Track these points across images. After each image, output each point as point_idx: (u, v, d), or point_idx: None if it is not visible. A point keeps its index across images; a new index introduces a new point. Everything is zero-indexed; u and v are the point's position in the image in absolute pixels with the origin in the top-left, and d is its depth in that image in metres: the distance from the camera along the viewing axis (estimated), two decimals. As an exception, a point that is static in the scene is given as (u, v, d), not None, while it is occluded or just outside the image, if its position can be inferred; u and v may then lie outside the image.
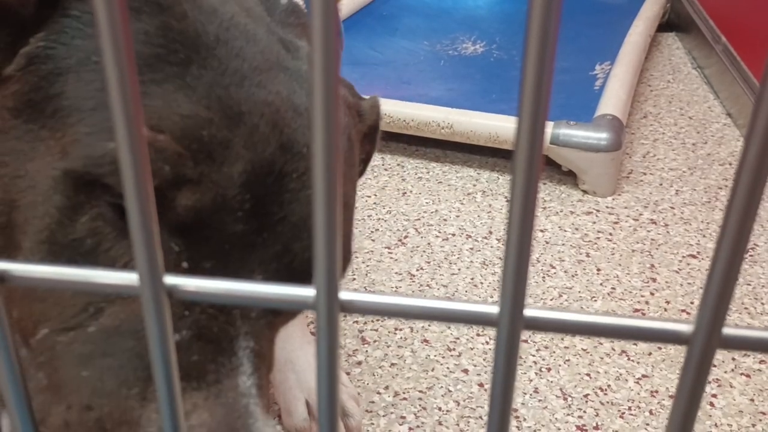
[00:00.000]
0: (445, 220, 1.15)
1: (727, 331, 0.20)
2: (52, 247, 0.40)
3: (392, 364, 0.89)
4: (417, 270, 1.04)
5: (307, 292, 0.20)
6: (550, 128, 1.19)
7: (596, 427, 0.81)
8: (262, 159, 0.40)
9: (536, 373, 0.88)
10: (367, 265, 1.05)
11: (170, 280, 0.21)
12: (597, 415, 0.83)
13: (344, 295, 0.20)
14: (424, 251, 1.08)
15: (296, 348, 0.79)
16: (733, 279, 0.19)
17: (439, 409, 0.83)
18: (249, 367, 0.40)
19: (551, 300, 0.99)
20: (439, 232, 1.12)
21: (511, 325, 0.20)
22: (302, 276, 0.42)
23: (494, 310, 0.20)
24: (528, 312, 0.20)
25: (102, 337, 0.39)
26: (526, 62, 0.16)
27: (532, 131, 0.17)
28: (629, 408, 0.84)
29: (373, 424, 0.81)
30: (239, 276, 0.41)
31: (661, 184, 1.26)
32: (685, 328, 0.20)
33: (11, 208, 0.41)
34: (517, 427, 0.81)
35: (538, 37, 0.16)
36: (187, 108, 0.39)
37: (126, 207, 0.20)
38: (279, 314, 0.43)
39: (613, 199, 1.21)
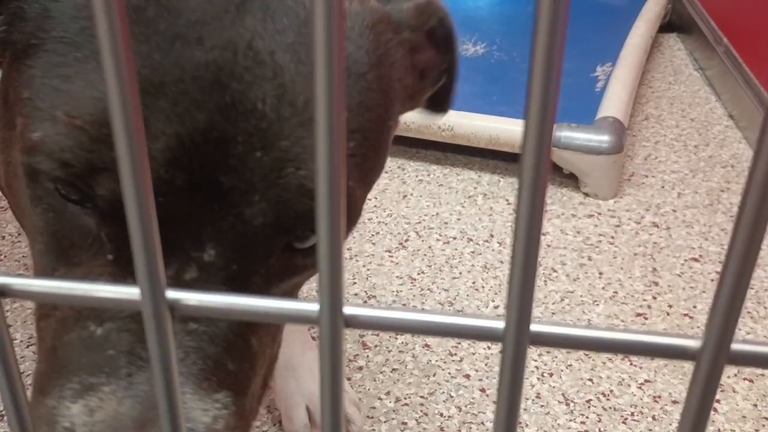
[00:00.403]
0: (446, 223, 1.15)
1: (735, 346, 0.19)
2: (35, 230, 0.40)
3: (393, 370, 0.88)
4: (418, 274, 1.04)
5: (310, 306, 0.20)
6: (551, 131, 1.18)
7: (599, 432, 0.81)
8: (193, 129, 0.37)
9: (538, 379, 0.88)
10: (368, 269, 1.05)
11: (172, 294, 0.21)
12: (599, 420, 0.82)
13: (348, 309, 0.20)
14: (425, 255, 1.08)
15: (297, 354, 0.79)
16: (741, 295, 0.19)
17: (441, 414, 0.83)
18: (179, 352, 0.37)
19: (553, 304, 0.99)
20: (440, 236, 1.12)
21: (516, 341, 0.20)
22: (259, 246, 0.39)
23: (500, 325, 0.20)
24: (534, 327, 0.20)
25: (61, 326, 0.39)
26: (533, 69, 0.16)
27: (539, 143, 0.17)
28: (632, 413, 0.83)
29: (374, 430, 0.81)
30: (190, 255, 0.38)
31: (662, 187, 1.25)
32: (693, 343, 0.20)
33: (12, 191, 0.42)
34: (519, 432, 0.81)
35: (546, 43, 0.16)
36: (101, 88, 0.36)
37: (127, 222, 0.19)
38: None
39: (615, 202, 1.21)
